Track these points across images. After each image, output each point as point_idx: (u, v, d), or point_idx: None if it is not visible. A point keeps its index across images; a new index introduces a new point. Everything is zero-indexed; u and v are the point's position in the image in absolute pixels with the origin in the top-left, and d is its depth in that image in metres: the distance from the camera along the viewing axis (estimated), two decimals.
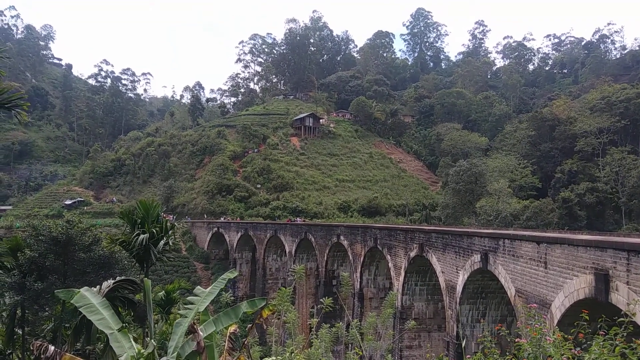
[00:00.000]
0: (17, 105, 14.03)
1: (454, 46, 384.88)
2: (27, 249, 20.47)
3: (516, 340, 6.98)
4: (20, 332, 20.77)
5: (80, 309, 10.56)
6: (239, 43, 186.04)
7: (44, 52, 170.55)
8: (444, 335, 27.62)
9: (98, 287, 16.70)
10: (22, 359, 20.35)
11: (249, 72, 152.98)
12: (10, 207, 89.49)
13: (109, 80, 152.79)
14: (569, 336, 6.81)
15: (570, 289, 15.85)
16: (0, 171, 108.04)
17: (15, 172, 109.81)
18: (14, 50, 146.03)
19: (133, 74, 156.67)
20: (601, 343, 6.24)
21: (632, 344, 6.13)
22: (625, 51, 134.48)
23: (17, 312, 20.35)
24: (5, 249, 20.78)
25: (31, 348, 10.74)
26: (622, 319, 6.61)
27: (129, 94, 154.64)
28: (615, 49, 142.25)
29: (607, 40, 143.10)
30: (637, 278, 13.00)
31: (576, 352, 6.45)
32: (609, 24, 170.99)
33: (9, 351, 20.87)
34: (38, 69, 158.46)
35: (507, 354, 7.39)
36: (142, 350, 9.68)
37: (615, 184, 67.63)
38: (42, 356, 9.89)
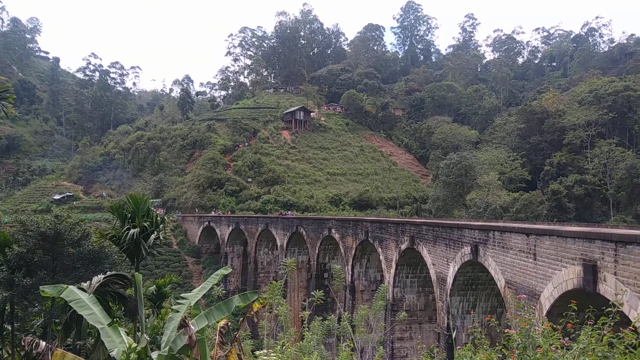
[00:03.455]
0: (3, 98, 13.86)
1: (444, 39, 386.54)
2: (15, 244, 20.28)
3: (506, 331, 7.05)
4: (10, 328, 20.64)
5: (70, 304, 10.50)
6: (229, 36, 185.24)
7: (31, 45, 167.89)
8: (434, 327, 27.85)
9: (88, 282, 16.62)
10: (11, 355, 20.23)
11: (238, 66, 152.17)
12: None
13: (97, 74, 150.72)
14: (558, 326, 6.89)
15: (559, 279, 16.03)
16: None
17: (2, 167, 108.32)
18: (0, 44, 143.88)
19: (122, 68, 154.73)
20: (589, 333, 6.32)
21: (619, 334, 6.22)
22: (613, 44, 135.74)
23: (6, 308, 20.20)
24: None
25: (22, 344, 10.67)
26: (609, 309, 6.71)
27: (118, 88, 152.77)
28: (604, 42, 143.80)
29: (595, 33, 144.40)
30: (624, 269, 13.17)
31: (565, 342, 6.53)
32: (597, 17, 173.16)
33: None
34: (25, 62, 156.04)
35: (497, 344, 7.47)
36: (134, 345, 9.65)
37: (603, 176, 68.38)
38: (33, 352, 9.83)
